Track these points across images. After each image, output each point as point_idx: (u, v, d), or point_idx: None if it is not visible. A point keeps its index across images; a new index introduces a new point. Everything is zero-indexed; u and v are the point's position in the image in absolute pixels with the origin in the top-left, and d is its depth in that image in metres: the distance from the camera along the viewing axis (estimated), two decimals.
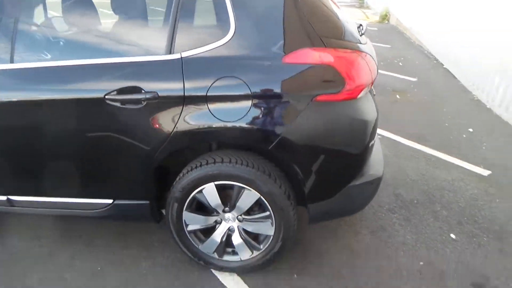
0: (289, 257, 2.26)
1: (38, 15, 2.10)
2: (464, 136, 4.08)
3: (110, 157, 1.90)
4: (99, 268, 2.20)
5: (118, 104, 1.78)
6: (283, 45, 1.75)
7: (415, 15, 9.39)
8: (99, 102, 1.78)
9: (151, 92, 1.75)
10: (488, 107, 4.96)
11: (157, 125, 1.80)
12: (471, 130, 4.23)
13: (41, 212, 2.13)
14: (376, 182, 2.01)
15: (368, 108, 1.89)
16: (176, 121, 1.78)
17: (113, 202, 2.02)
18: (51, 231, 2.51)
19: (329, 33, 1.79)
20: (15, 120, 1.90)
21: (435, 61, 7.39)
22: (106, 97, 1.77)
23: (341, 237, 2.46)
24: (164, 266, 2.21)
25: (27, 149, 1.95)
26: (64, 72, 1.82)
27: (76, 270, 2.19)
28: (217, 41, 1.75)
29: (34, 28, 2.11)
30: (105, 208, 2.03)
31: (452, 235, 2.50)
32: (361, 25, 2.19)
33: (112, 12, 2.17)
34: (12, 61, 1.86)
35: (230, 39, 1.74)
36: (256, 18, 1.77)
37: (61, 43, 1.98)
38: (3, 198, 2.09)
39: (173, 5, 1.78)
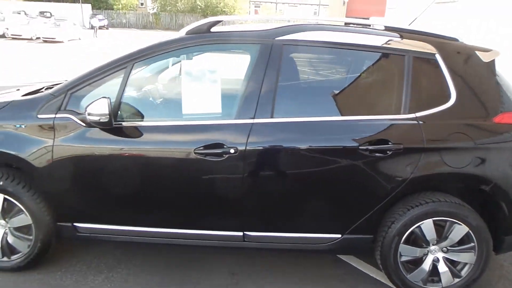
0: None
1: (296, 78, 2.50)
2: None
3: (353, 196, 2.27)
4: None
5: (367, 153, 2.18)
6: (492, 108, 2.25)
7: None
8: (352, 151, 2.18)
9: (397, 144, 2.17)
10: None
11: (398, 170, 2.20)
12: None
13: (269, 246, 2.39)
14: None
15: None
16: (414, 167, 2.19)
17: (341, 236, 2.34)
18: (243, 266, 2.74)
19: None
20: (273, 163, 2.27)
21: None
22: (359, 147, 2.17)
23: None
24: None
25: (281, 188, 2.29)
26: (325, 126, 2.22)
27: None
28: (443, 105, 2.23)
29: (294, 89, 2.52)
30: (333, 242, 2.35)
31: None
32: None
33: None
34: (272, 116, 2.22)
35: (453, 104, 2.23)
36: (470, 88, 2.28)
37: (319, 102, 2.38)
38: (239, 233, 2.35)
39: (404, 77, 2.25)
